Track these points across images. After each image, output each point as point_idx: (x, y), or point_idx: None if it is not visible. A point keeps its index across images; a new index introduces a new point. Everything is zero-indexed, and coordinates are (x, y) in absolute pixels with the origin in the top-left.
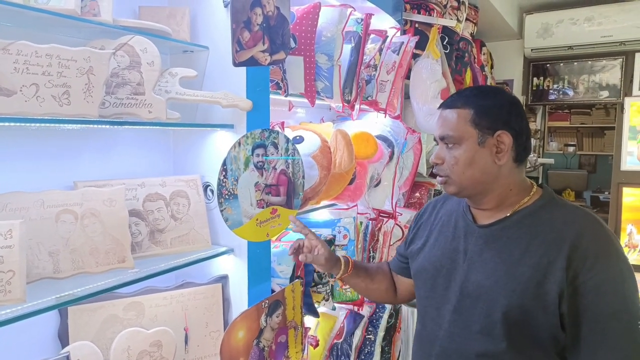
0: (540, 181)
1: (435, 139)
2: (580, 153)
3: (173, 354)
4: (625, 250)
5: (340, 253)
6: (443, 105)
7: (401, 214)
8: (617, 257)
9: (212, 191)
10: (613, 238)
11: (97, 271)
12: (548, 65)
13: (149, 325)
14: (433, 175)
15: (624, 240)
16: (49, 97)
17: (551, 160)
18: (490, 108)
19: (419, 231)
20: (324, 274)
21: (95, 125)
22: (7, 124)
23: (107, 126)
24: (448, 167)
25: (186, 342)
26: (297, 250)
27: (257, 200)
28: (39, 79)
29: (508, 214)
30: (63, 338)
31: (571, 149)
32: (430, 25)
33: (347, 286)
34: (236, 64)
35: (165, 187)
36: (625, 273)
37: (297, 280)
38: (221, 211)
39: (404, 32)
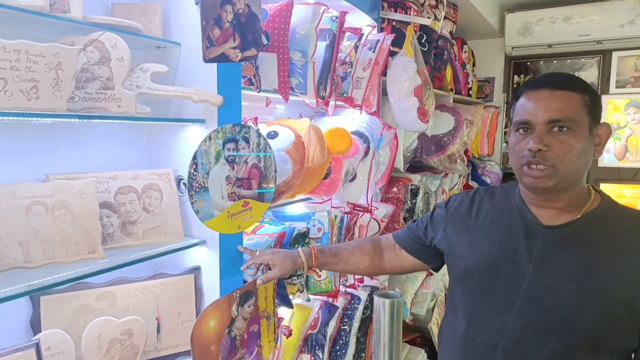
0: None
1: (523, 123)
2: None
3: (144, 342)
4: None
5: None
6: (546, 85)
7: (377, 208)
8: None
9: (184, 184)
10: None
11: (67, 261)
12: (529, 63)
13: (121, 314)
14: (410, 170)
15: None
16: (17, 92)
17: None
18: (598, 98)
19: (449, 223)
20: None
21: (66, 120)
22: None
23: (78, 120)
24: (556, 155)
25: (158, 331)
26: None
27: (229, 194)
28: (7, 73)
29: (578, 216)
30: (35, 327)
31: None
32: (407, 24)
33: (322, 278)
34: (206, 60)
35: (138, 180)
36: None
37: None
38: (192, 203)
39: (381, 30)
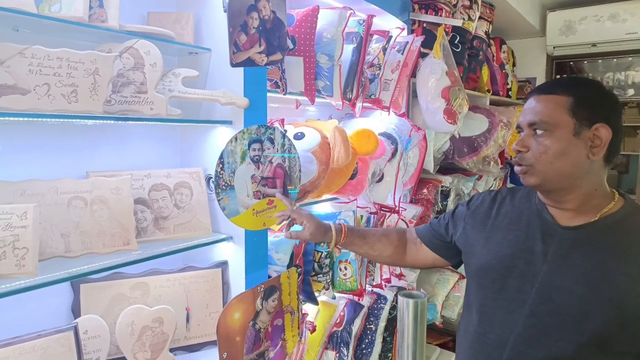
0: None
1: (518, 127)
2: None
3: (173, 330)
4: None
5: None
6: (536, 91)
7: (405, 209)
8: None
9: (214, 183)
10: None
11: (104, 252)
12: (572, 62)
13: (153, 304)
14: (442, 172)
15: None
16: (58, 95)
17: None
18: (592, 99)
19: (468, 220)
20: (324, 264)
21: (102, 121)
22: (22, 119)
23: (114, 122)
24: (533, 155)
25: (187, 321)
26: (288, 224)
27: (254, 192)
28: (50, 79)
29: (595, 218)
30: (76, 312)
31: None
32: (438, 25)
33: (347, 276)
34: (233, 64)
35: (170, 178)
36: None
37: (292, 268)
38: (218, 201)
39: (411, 32)
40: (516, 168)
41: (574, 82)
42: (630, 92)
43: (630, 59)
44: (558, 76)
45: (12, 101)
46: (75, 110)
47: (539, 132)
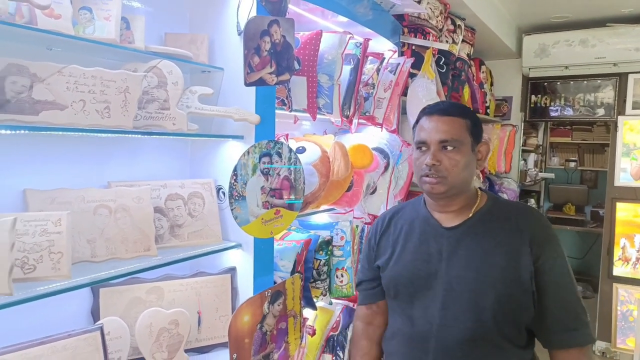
0: (542, 195)
1: (421, 142)
2: (582, 168)
3: (188, 332)
4: (619, 263)
5: (337, 253)
6: (436, 112)
7: None
8: (557, 240)
9: (223, 193)
10: (550, 224)
11: (126, 257)
12: (546, 83)
13: (167, 307)
14: None
15: (617, 253)
16: (93, 111)
17: (552, 175)
18: (478, 121)
19: (381, 246)
20: (322, 271)
21: (129, 135)
22: (59, 133)
23: (137, 135)
24: (446, 168)
25: (199, 324)
26: None
27: (263, 202)
28: (85, 96)
29: (470, 215)
30: (95, 315)
31: (572, 164)
32: (426, 48)
33: (344, 283)
34: (247, 84)
35: (184, 188)
36: (564, 252)
37: (296, 274)
38: (232, 210)
39: (401, 54)
40: (426, 179)
41: (463, 107)
42: (600, 112)
43: (599, 81)
44: (533, 96)
45: (52, 116)
46: (108, 125)
47: (449, 148)
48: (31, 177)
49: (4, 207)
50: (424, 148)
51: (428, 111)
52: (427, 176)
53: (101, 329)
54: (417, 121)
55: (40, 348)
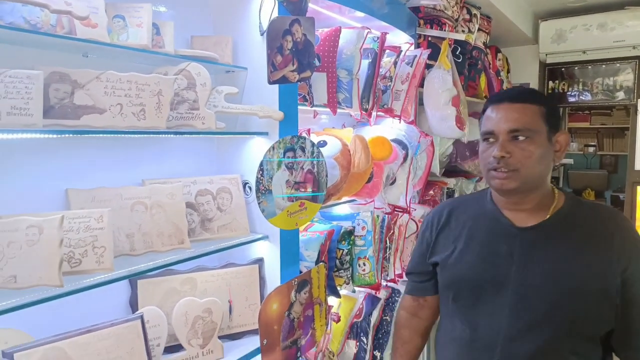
0: (561, 181)
1: (488, 133)
2: (601, 153)
3: (220, 319)
4: None
5: (359, 243)
6: (506, 99)
7: (415, 209)
8: None
9: (250, 188)
10: (636, 230)
11: (162, 250)
12: (563, 69)
13: (200, 297)
14: (446, 174)
15: None
16: (130, 114)
17: (571, 161)
18: (557, 109)
19: (439, 241)
20: (345, 260)
21: (163, 135)
22: (100, 135)
23: (170, 135)
24: (517, 161)
25: (230, 312)
26: None
27: (288, 195)
28: (122, 99)
29: (548, 216)
30: (133, 305)
31: (591, 149)
32: (442, 39)
33: (366, 272)
34: (270, 82)
35: (213, 184)
36: None
37: (321, 263)
38: (259, 203)
39: (418, 46)
40: (494, 173)
41: (539, 93)
42: (619, 95)
43: (618, 65)
44: (550, 82)
45: (92, 119)
46: (144, 127)
47: (520, 138)
48: (72, 177)
49: (49, 206)
50: (491, 139)
51: (496, 99)
52: (495, 170)
53: (141, 317)
54: (483, 111)
55: (87, 336)
